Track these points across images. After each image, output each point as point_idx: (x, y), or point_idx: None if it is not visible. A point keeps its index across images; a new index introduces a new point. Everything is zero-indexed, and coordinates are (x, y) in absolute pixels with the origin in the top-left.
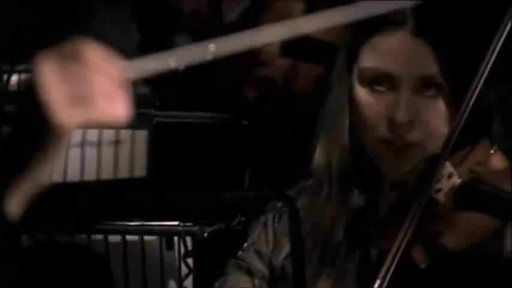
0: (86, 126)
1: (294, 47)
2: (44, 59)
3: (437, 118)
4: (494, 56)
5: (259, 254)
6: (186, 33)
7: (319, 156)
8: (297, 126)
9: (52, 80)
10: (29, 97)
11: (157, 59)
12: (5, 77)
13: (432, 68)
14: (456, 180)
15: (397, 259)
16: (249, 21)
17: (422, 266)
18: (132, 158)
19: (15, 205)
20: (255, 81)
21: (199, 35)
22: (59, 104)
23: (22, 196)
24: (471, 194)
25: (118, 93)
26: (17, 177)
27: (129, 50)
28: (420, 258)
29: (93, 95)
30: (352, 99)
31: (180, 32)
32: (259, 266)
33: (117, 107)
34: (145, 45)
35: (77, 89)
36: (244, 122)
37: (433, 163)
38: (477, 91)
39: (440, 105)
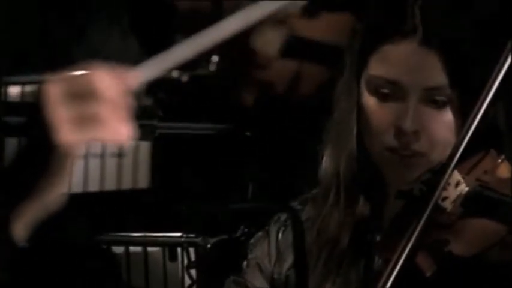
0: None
1: (297, 48)
2: (51, 80)
3: (444, 128)
4: (494, 89)
5: (260, 268)
6: (186, 36)
7: (326, 164)
8: (300, 133)
9: (58, 100)
10: (35, 117)
11: (158, 61)
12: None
13: (440, 78)
14: (463, 188)
15: (398, 267)
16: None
17: (428, 274)
18: (135, 170)
19: (21, 227)
20: (253, 86)
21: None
22: (65, 124)
23: (29, 218)
24: (479, 201)
25: (123, 114)
26: (23, 199)
27: (128, 62)
28: (426, 265)
29: (98, 116)
30: (359, 107)
31: (179, 34)
32: (258, 282)
33: (122, 127)
34: (145, 54)
35: (82, 110)
36: (248, 133)
37: (440, 172)
38: (484, 106)
39: (448, 116)
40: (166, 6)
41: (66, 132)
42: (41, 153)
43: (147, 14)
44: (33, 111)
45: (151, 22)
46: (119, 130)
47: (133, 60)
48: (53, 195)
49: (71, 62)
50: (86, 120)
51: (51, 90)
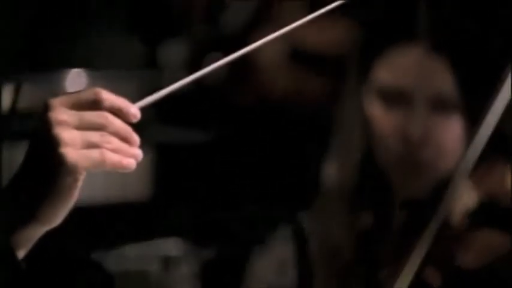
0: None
1: (298, 54)
2: (58, 102)
3: (451, 136)
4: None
5: (262, 281)
6: (186, 35)
7: (330, 172)
8: (302, 138)
9: (66, 123)
10: (41, 138)
11: (166, 91)
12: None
13: (448, 85)
14: (471, 199)
15: (409, 280)
16: (254, 27)
17: (435, 286)
18: (133, 179)
19: (23, 244)
20: (254, 90)
21: (200, 36)
22: (72, 147)
23: (31, 236)
24: (487, 213)
25: (128, 143)
26: (26, 218)
27: (129, 62)
28: (433, 278)
29: (105, 140)
30: (364, 114)
31: (178, 32)
32: None
33: (126, 156)
34: (145, 54)
35: (88, 137)
36: (248, 139)
37: (448, 183)
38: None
39: (455, 123)
40: (166, 6)
41: (72, 153)
42: (45, 172)
43: (147, 13)
44: (37, 130)
45: (151, 22)
46: (123, 158)
47: (134, 59)
48: (56, 215)
49: (71, 62)
50: (91, 146)
51: (58, 113)
